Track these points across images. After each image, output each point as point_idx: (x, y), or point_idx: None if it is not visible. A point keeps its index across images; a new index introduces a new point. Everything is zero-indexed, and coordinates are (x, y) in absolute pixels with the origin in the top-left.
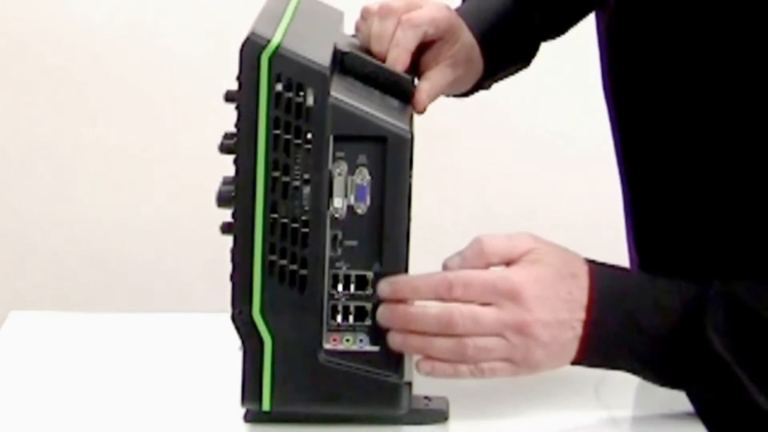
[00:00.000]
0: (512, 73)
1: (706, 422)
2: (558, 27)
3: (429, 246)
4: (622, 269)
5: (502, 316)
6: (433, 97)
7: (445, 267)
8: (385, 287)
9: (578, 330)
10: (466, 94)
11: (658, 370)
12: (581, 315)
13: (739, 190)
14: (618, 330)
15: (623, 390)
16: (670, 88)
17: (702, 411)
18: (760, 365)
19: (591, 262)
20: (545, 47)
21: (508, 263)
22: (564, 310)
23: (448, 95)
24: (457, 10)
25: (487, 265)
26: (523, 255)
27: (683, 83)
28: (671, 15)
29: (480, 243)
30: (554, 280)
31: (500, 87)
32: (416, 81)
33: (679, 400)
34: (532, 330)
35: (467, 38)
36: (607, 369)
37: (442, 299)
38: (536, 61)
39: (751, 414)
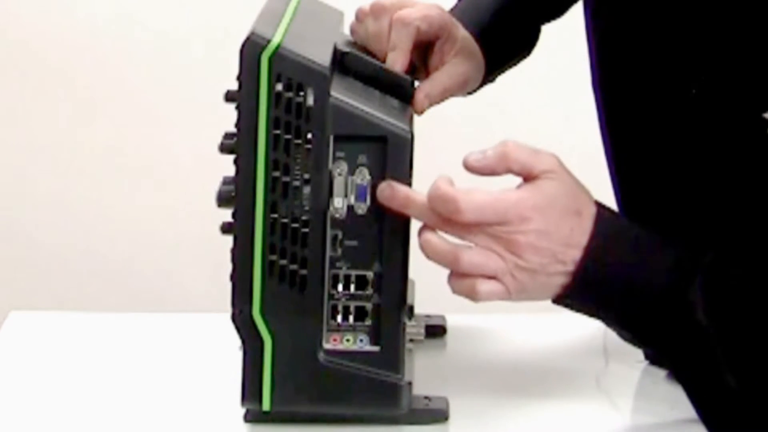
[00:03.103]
0: (515, 64)
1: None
2: (554, 11)
3: None
4: (625, 221)
5: (497, 230)
6: (435, 97)
7: (465, 161)
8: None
9: (569, 267)
10: (469, 92)
11: (637, 326)
12: (575, 253)
13: (727, 178)
14: (607, 278)
15: (626, 389)
16: (660, 82)
17: (676, 375)
18: (737, 342)
19: (599, 206)
20: (546, 48)
21: (527, 177)
22: (559, 245)
23: (459, 95)
24: (450, 11)
25: (507, 170)
26: (543, 173)
27: (672, 75)
28: (661, 8)
29: (505, 146)
30: (559, 214)
31: (501, 87)
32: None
33: (679, 397)
34: (524, 253)
35: (464, 33)
36: (587, 315)
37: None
38: (536, 62)
39: (718, 388)
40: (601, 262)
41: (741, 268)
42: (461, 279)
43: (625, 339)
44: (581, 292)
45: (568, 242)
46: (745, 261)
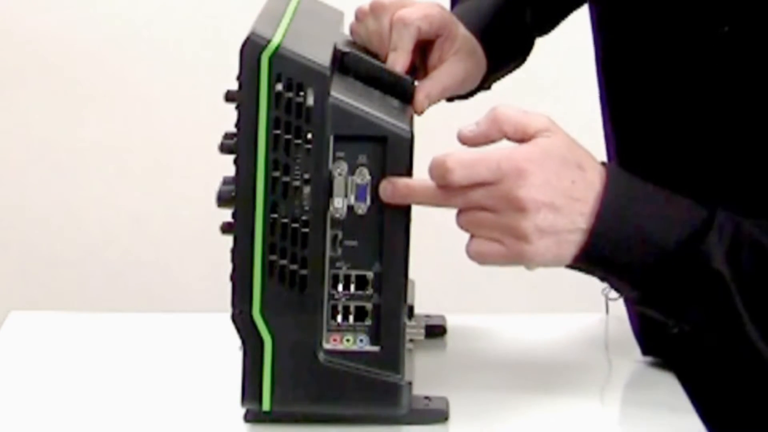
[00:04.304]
0: (511, 71)
1: (687, 360)
2: (549, 23)
3: (429, 246)
4: (635, 177)
5: (497, 189)
6: (435, 97)
7: (459, 134)
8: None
9: (578, 223)
10: (467, 96)
11: (653, 287)
12: (583, 208)
13: (731, 172)
14: (623, 235)
15: (626, 389)
16: (663, 76)
17: (685, 342)
18: (756, 293)
19: (605, 164)
20: (545, 49)
21: (521, 138)
22: (563, 197)
23: (457, 95)
24: (451, 11)
25: (500, 133)
26: (537, 131)
27: (676, 69)
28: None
29: (495, 111)
30: (558, 166)
31: (500, 87)
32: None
33: (680, 396)
34: (527, 208)
35: (465, 32)
36: (601, 279)
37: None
38: (536, 60)
39: (737, 340)
40: (617, 216)
41: (754, 223)
42: (472, 240)
43: (636, 305)
44: (596, 251)
45: (572, 195)
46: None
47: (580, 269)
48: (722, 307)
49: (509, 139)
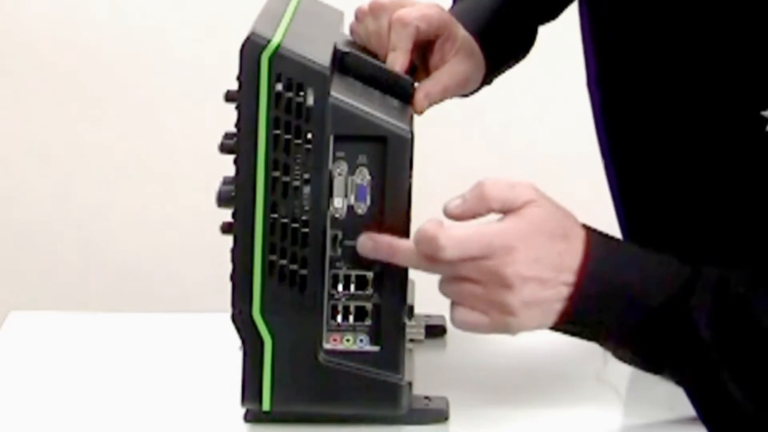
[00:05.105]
0: (512, 65)
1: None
2: (552, 13)
3: None
4: (617, 239)
5: (485, 264)
6: (435, 96)
7: (445, 209)
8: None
9: (563, 292)
10: (468, 94)
11: (637, 346)
12: (569, 278)
13: (730, 185)
14: (605, 299)
15: (625, 388)
16: (661, 84)
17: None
18: (741, 358)
19: (586, 228)
20: (543, 49)
21: (508, 211)
22: (550, 270)
23: (459, 95)
24: (449, 12)
25: (488, 210)
26: (523, 205)
27: (672, 77)
28: (659, 6)
29: (482, 187)
30: (546, 240)
31: (500, 86)
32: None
33: (678, 395)
34: (514, 284)
35: (464, 33)
36: (587, 339)
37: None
38: (536, 61)
39: (722, 399)
40: (598, 282)
41: (742, 279)
42: (456, 308)
43: (625, 361)
44: (580, 316)
45: (560, 267)
46: (746, 274)
47: (564, 332)
48: (705, 368)
49: (495, 213)
